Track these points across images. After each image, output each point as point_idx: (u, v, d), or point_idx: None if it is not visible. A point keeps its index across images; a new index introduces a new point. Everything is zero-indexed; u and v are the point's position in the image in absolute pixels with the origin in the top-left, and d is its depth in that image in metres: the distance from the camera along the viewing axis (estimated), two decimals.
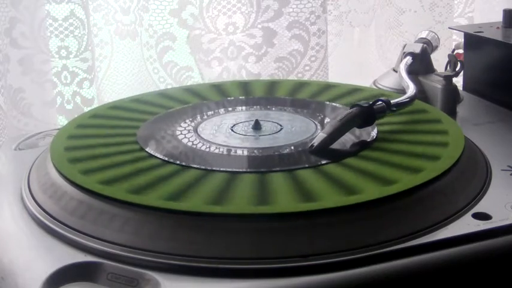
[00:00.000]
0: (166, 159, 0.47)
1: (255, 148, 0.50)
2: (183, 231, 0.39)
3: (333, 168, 0.46)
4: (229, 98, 0.61)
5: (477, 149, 0.52)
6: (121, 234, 0.40)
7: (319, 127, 0.53)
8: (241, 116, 0.56)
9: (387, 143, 0.50)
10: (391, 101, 0.53)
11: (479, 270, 0.40)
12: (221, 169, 0.45)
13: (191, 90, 0.63)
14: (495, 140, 0.55)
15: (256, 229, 0.39)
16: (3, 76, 0.73)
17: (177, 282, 0.37)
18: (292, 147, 0.50)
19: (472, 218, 0.42)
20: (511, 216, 0.42)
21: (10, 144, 0.57)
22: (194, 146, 0.50)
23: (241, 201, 0.41)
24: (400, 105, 0.54)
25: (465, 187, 0.45)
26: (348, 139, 0.50)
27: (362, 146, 0.49)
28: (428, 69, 0.66)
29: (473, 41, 0.68)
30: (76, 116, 0.60)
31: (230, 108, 0.58)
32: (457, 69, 0.67)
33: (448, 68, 0.68)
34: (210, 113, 0.57)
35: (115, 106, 0.60)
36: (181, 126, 0.54)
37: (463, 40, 0.69)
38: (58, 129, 0.57)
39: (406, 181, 0.43)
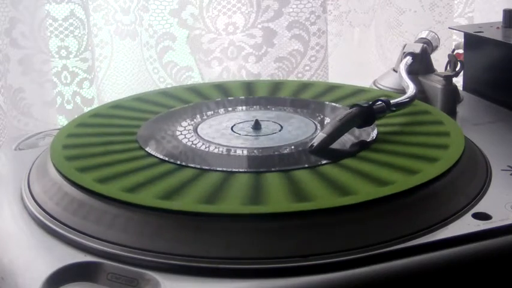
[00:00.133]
0: (166, 159, 0.47)
1: (255, 148, 0.50)
2: (183, 231, 0.39)
3: (330, 169, 0.45)
4: (229, 98, 0.61)
5: (477, 149, 0.52)
6: (121, 234, 0.40)
7: (319, 127, 0.53)
8: (242, 115, 0.56)
9: (387, 144, 0.50)
10: (391, 101, 0.53)
11: (479, 271, 0.40)
12: (218, 169, 0.45)
13: (193, 90, 0.63)
14: (495, 140, 0.55)
15: (256, 229, 0.39)
16: (3, 76, 0.73)
17: (177, 282, 0.37)
18: (292, 147, 0.50)
19: (472, 218, 0.42)
20: (511, 216, 0.42)
21: (10, 144, 0.57)
22: (194, 146, 0.50)
23: (238, 201, 0.41)
24: (400, 105, 0.54)
25: (465, 187, 0.45)
26: (347, 140, 0.50)
27: (361, 146, 0.49)
28: (428, 69, 0.66)
29: (473, 41, 0.68)
30: (76, 116, 0.60)
31: (230, 108, 0.58)
32: (457, 69, 0.67)
33: (448, 68, 0.68)
34: (210, 112, 0.57)
35: (116, 105, 0.60)
36: (181, 126, 0.54)
37: (463, 40, 0.69)
38: (58, 129, 0.57)
39: (401, 182, 0.43)
